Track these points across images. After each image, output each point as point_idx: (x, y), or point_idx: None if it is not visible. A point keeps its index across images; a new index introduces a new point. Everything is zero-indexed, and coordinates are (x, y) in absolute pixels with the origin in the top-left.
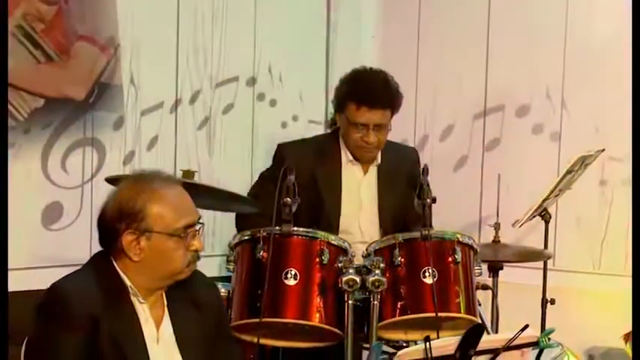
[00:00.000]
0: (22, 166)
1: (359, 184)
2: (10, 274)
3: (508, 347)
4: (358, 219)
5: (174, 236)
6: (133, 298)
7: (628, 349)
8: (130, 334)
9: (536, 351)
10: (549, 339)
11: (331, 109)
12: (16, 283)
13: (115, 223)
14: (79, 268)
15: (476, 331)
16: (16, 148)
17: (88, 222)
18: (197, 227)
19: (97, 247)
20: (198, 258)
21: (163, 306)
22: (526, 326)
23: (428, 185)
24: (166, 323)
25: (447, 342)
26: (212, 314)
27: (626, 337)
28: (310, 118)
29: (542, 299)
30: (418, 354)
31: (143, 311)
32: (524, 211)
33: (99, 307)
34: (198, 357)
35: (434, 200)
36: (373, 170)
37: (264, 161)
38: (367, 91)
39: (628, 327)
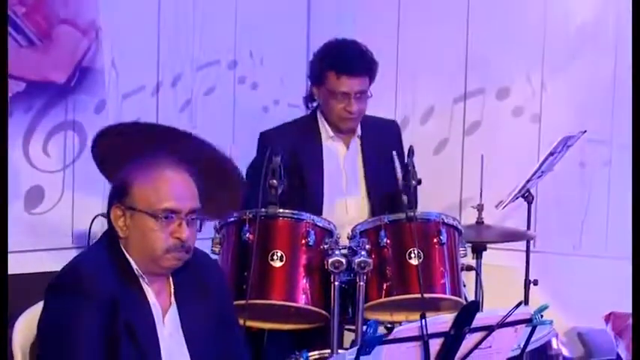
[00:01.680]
0: None
1: (341, 159)
2: None
3: (502, 324)
4: (344, 197)
5: (154, 217)
6: (141, 281)
7: (609, 329)
8: (143, 319)
9: (530, 328)
10: (542, 316)
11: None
12: None
13: (110, 197)
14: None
15: (470, 309)
16: None
17: (69, 206)
18: (187, 216)
19: (78, 230)
20: (185, 249)
21: (170, 295)
22: (520, 303)
23: (414, 167)
24: (173, 312)
25: (442, 319)
26: (219, 300)
27: (607, 318)
28: (291, 102)
29: (526, 280)
30: (413, 331)
31: (150, 295)
32: (504, 194)
33: (116, 290)
34: (204, 346)
35: (419, 182)
36: (355, 143)
37: (245, 145)
38: (345, 59)
39: (609, 308)
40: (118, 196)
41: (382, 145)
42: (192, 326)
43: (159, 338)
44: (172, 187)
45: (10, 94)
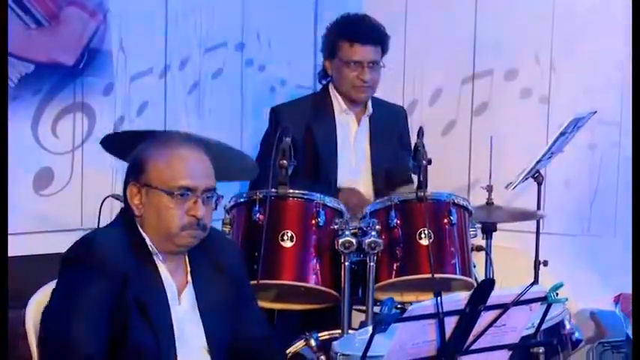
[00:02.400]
0: (13, 131)
1: (353, 133)
2: None
3: (517, 302)
4: (354, 173)
5: (170, 195)
6: (155, 258)
7: (618, 310)
8: (155, 296)
9: (545, 306)
10: (557, 294)
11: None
12: (11, 248)
13: (127, 175)
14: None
15: (486, 287)
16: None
17: (78, 187)
18: (203, 194)
19: (87, 212)
20: (200, 227)
21: (186, 273)
22: (534, 281)
23: (424, 147)
24: (189, 290)
25: (457, 297)
26: (235, 279)
27: (616, 299)
28: (298, 83)
29: (535, 260)
30: (429, 308)
31: (165, 273)
32: (512, 175)
33: (129, 265)
34: (220, 324)
35: (429, 162)
36: (365, 121)
37: (253, 126)
38: (358, 29)
39: (618, 290)
40: (134, 173)
41: (389, 127)
42: (208, 304)
43: (172, 315)
44: (188, 164)
45: (18, 76)
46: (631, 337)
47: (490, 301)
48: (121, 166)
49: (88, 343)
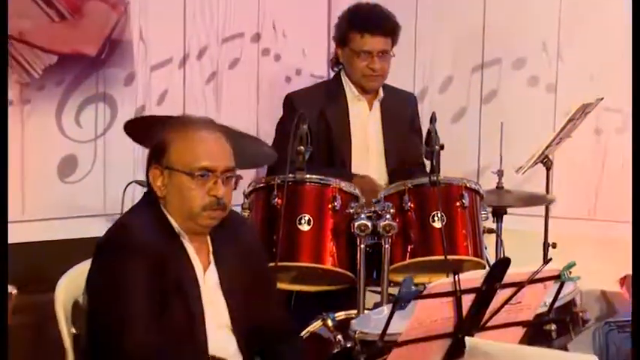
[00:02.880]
0: (38, 121)
1: (366, 118)
2: (28, 225)
3: (532, 280)
4: (367, 158)
5: (190, 176)
6: (181, 238)
7: (624, 291)
8: (188, 274)
9: (558, 284)
10: (570, 272)
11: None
12: (34, 233)
13: (149, 159)
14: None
15: (502, 265)
16: (32, 104)
17: (101, 174)
18: (222, 175)
19: (110, 198)
20: (221, 206)
21: (209, 253)
22: (549, 260)
23: (436, 132)
24: (212, 270)
25: (474, 275)
26: (255, 259)
27: (622, 281)
28: (313, 72)
29: (544, 243)
30: (446, 287)
31: (191, 252)
32: (520, 160)
33: (163, 248)
34: (242, 304)
35: (442, 147)
36: (377, 106)
37: (268, 115)
38: (368, 20)
39: (623, 271)
40: (156, 156)
41: (400, 112)
42: (230, 282)
43: (201, 292)
44: (208, 146)
45: (42, 67)
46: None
47: (506, 280)
48: (142, 154)
49: (136, 322)
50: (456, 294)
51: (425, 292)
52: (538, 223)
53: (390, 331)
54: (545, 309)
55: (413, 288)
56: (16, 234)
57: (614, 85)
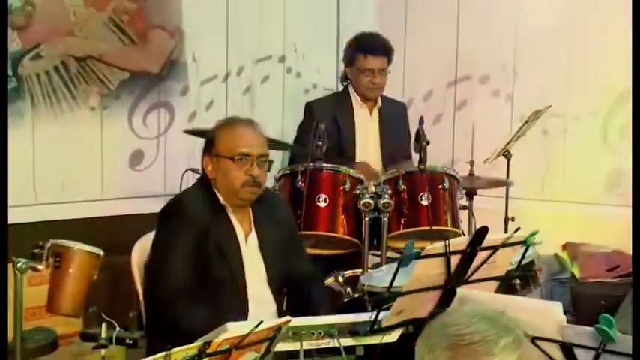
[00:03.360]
0: (114, 122)
1: (367, 121)
2: (106, 203)
3: (504, 244)
4: (367, 151)
5: (231, 159)
6: (227, 210)
7: (564, 254)
8: (230, 239)
9: (524, 248)
10: (534, 239)
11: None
12: (112, 210)
13: (203, 150)
14: (158, 197)
15: (482, 232)
16: (109, 109)
17: (162, 164)
18: (257, 159)
19: (169, 182)
20: (257, 184)
21: (250, 222)
22: (518, 228)
23: (424, 132)
24: (252, 235)
25: (460, 240)
26: (288, 230)
27: (563, 247)
28: (325, 87)
29: (505, 217)
30: (439, 249)
31: (235, 221)
32: (485, 153)
33: (208, 217)
34: (277, 262)
35: (428, 143)
36: (376, 112)
37: (291, 120)
38: (370, 44)
39: (564, 239)
40: (208, 148)
41: (394, 117)
42: (269, 247)
43: (242, 255)
44: (245, 136)
45: (118, 81)
46: (575, 274)
47: (485, 244)
48: (193, 149)
49: (178, 276)
50: (446, 255)
51: (423, 253)
52: (500, 202)
53: (395, 284)
54: (514, 267)
55: (414, 250)
56: (96, 210)
57: (559, 95)
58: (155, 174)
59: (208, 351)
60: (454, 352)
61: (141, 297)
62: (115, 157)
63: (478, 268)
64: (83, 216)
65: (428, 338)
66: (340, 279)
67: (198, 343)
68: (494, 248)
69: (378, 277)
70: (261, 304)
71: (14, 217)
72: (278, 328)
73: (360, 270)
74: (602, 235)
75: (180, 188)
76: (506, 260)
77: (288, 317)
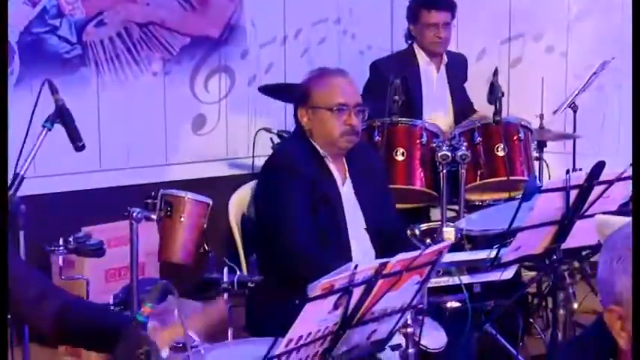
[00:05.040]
0: (176, 88)
1: (435, 80)
2: (171, 167)
3: (619, 179)
4: (435, 107)
5: (329, 110)
6: (324, 159)
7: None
8: (331, 188)
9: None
10: None
11: (399, 37)
12: (177, 174)
13: (295, 103)
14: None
15: (599, 167)
16: (171, 75)
17: (224, 127)
18: (354, 109)
19: (230, 146)
20: (355, 132)
21: (345, 171)
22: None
23: (498, 83)
24: (348, 183)
25: (579, 174)
26: (379, 177)
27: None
28: (380, 47)
29: (573, 169)
30: (560, 184)
31: (333, 169)
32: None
33: (313, 169)
34: (373, 209)
35: (503, 94)
36: (443, 69)
37: None
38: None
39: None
40: (302, 100)
41: (459, 71)
42: (363, 193)
43: (343, 202)
44: (342, 87)
45: (179, 46)
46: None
47: (602, 178)
48: (253, 112)
49: (299, 230)
50: (566, 189)
51: (544, 188)
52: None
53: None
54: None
55: (537, 184)
56: (159, 175)
57: (614, 51)
58: (217, 138)
59: (384, 272)
60: None
61: (239, 245)
62: (177, 121)
63: (594, 202)
64: (147, 181)
65: (613, 250)
66: (416, 232)
67: (374, 264)
68: (610, 182)
69: (475, 221)
70: (363, 252)
71: (80, 183)
72: (440, 252)
73: (439, 222)
74: None
75: (254, 147)
76: (619, 195)
77: (447, 242)
